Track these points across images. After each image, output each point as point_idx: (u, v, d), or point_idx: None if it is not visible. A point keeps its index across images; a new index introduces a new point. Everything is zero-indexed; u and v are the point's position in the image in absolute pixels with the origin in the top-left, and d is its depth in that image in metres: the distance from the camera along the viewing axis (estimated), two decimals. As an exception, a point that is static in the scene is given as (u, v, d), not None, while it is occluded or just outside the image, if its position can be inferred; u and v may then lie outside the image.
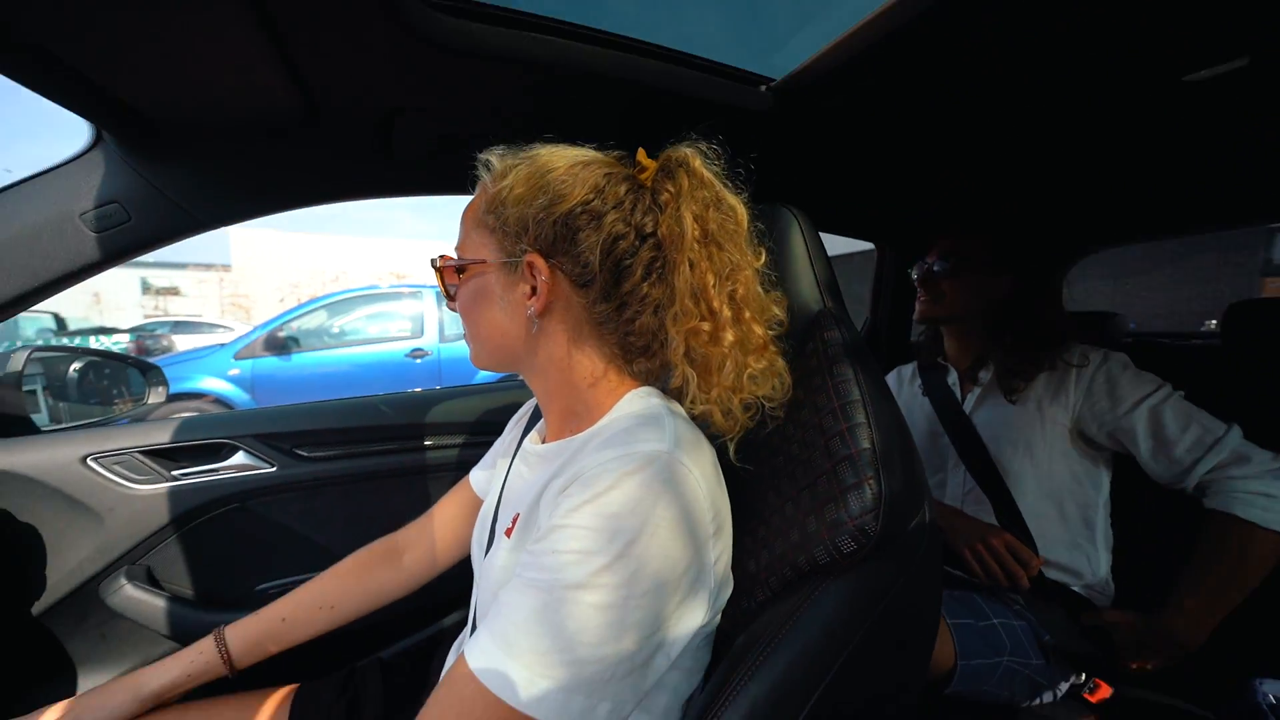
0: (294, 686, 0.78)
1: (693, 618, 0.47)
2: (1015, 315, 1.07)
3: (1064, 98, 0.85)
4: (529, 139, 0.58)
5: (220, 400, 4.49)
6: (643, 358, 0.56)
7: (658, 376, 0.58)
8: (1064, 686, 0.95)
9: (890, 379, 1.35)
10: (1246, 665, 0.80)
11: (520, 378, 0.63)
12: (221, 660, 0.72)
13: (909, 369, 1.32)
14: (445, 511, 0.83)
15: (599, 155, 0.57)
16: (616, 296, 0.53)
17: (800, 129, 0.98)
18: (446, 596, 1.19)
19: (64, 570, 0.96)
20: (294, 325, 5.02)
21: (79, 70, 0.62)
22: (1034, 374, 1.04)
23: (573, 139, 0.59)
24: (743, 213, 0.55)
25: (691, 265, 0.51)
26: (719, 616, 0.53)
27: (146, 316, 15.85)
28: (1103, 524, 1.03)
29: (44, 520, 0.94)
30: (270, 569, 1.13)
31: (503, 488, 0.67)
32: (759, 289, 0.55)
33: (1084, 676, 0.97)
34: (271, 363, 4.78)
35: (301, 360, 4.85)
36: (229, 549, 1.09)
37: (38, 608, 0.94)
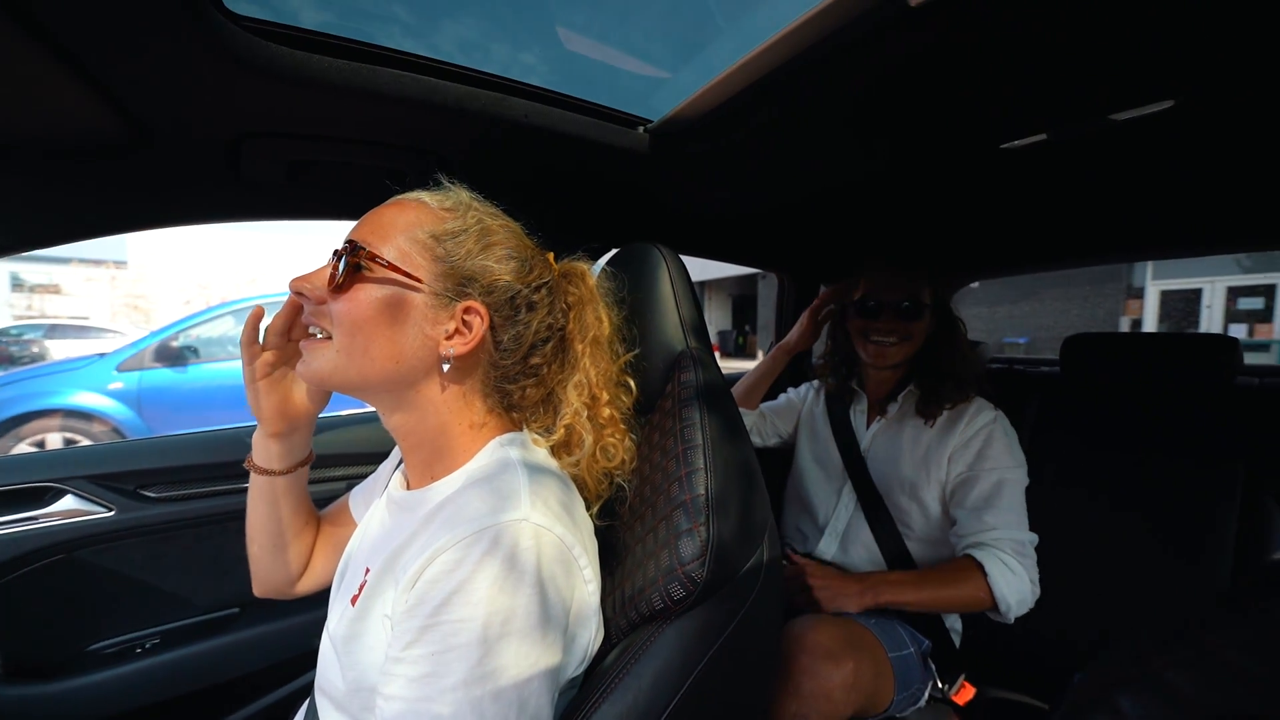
0: None
1: (568, 667, 0.50)
2: (935, 347, 1.14)
3: (928, 143, 0.92)
4: (402, 168, 0.57)
5: (96, 417, 3.99)
6: (518, 414, 0.60)
7: (526, 425, 0.61)
8: (926, 691, 1.03)
9: (811, 386, 1.39)
10: (1080, 664, 0.90)
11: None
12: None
13: (820, 387, 1.36)
14: (321, 532, 0.78)
15: (526, 240, 0.61)
16: (524, 367, 0.58)
17: (677, 169, 1.01)
18: (312, 648, 1.11)
19: None
20: (194, 333, 4.52)
21: None
22: (955, 399, 1.10)
23: (449, 172, 0.59)
24: (609, 322, 0.63)
25: (587, 357, 0.60)
26: (587, 661, 0.54)
27: (16, 318, 13.89)
28: None
29: None
30: (108, 624, 1.01)
31: (363, 531, 0.65)
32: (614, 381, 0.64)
33: (954, 680, 1.06)
34: (164, 375, 4.27)
35: (200, 373, 4.37)
36: (49, 607, 0.96)
37: None
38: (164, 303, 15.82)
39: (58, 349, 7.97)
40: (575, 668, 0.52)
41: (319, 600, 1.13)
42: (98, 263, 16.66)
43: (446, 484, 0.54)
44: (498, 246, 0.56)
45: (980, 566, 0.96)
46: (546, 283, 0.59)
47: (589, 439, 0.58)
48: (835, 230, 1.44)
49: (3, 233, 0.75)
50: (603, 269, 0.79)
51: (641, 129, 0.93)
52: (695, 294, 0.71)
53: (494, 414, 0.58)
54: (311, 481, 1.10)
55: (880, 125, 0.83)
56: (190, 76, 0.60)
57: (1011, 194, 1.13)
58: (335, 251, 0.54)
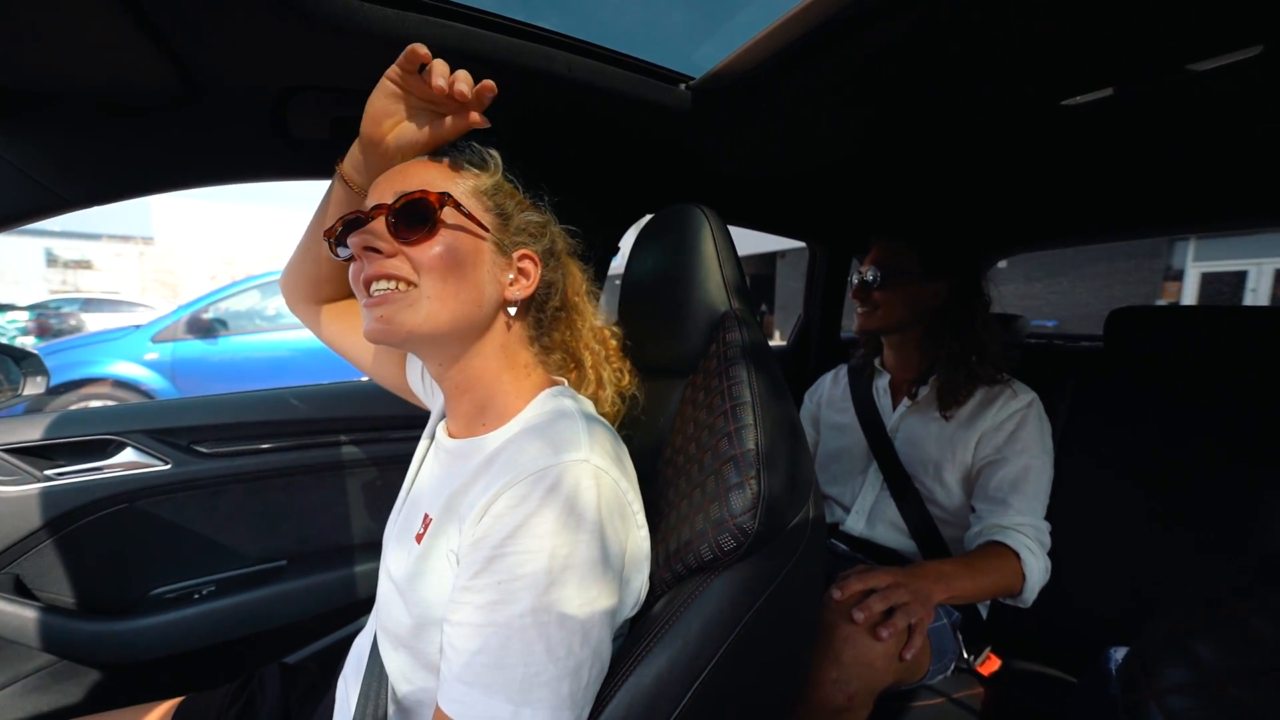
0: (178, 700, 0.74)
1: (623, 608, 0.51)
2: (951, 322, 1.10)
3: (965, 108, 0.89)
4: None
5: (134, 387, 4.15)
6: (553, 358, 0.63)
7: (559, 377, 0.64)
8: (953, 661, 1.03)
9: (826, 379, 1.38)
10: (1108, 640, 0.89)
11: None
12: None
13: (843, 370, 1.35)
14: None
15: None
16: (550, 313, 0.62)
17: (719, 128, 0.99)
18: (356, 600, 1.16)
19: None
20: (222, 306, 4.63)
21: None
22: (971, 390, 1.06)
23: (489, 128, 0.59)
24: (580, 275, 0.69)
25: (585, 304, 0.67)
26: (637, 606, 0.55)
27: (52, 292, 14.36)
28: None
29: None
30: (167, 572, 1.07)
31: (414, 479, 0.67)
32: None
33: (979, 651, 1.06)
34: (195, 346, 4.42)
35: (229, 345, 4.50)
36: (116, 552, 1.02)
37: None
38: (190, 278, 16.20)
39: (93, 321, 8.26)
40: (628, 610, 0.53)
41: (361, 554, 1.19)
42: (126, 239, 17.07)
43: (501, 433, 0.56)
44: (525, 201, 0.61)
45: (1016, 554, 0.96)
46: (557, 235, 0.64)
47: (608, 374, 0.65)
48: (872, 199, 1.40)
49: (59, 188, 0.78)
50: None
51: (683, 85, 0.90)
52: (737, 255, 0.70)
53: (536, 362, 0.61)
54: (344, 444, 1.18)
55: (933, 79, 0.79)
56: (243, 25, 0.60)
57: (1067, 157, 1.07)
58: (398, 203, 0.51)
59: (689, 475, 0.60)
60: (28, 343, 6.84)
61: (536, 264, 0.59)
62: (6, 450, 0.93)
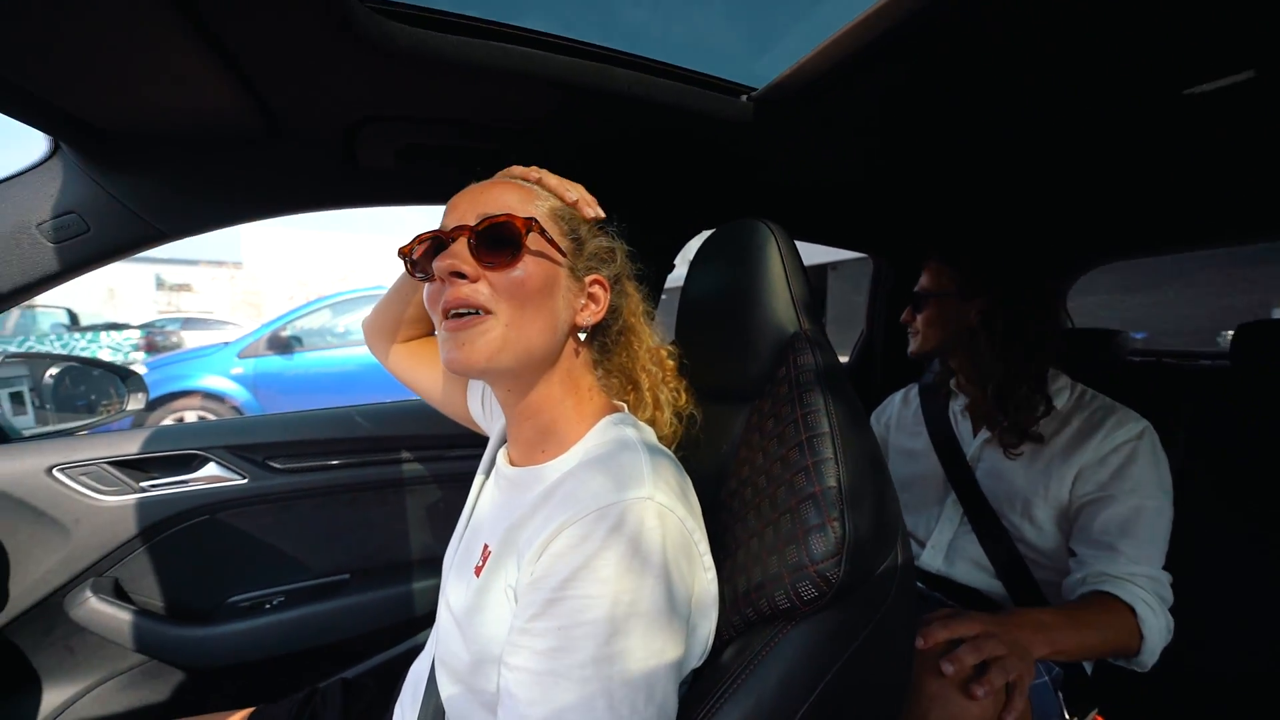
0: (248, 711, 0.77)
1: (690, 658, 0.48)
2: (982, 340, 0.99)
3: (1060, 107, 0.81)
4: (503, 149, 0.58)
5: (220, 398, 4.54)
6: (613, 382, 0.63)
7: (619, 402, 0.62)
8: None
9: (895, 399, 1.28)
10: (1239, 710, 0.76)
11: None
12: None
13: (914, 389, 1.25)
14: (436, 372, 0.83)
15: None
16: (613, 337, 0.62)
17: (783, 139, 0.95)
18: (414, 616, 1.18)
19: (28, 583, 0.95)
20: (298, 324, 5.05)
21: (24, 88, 0.62)
22: (1028, 425, 0.95)
23: (547, 151, 0.59)
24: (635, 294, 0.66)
25: (641, 326, 0.65)
26: (705, 655, 0.52)
27: (160, 313, 16.09)
28: None
29: (8, 532, 0.94)
30: (242, 580, 1.12)
31: (474, 506, 0.66)
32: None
33: (1085, 713, 0.93)
34: (275, 362, 4.82)
35: (304, 360, 4.89)
36: (199, 561, 1.08)
37: (0, 620, 0.93)
38: (272, 298, 17.87)
39: (191, 338, 9.20)
40: (695, 660, 0.49)
41: (420, 571, 1.20)
42: (219, 264, 19.47)
43: (561, 462, 0.54)
44: (592, 225, 0.59)
45: (1131, 609, 0.84)
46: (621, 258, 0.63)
47: (665, 395, 0.64)
48: (944, 209, 1.31)
49: (156, 221, 0.85)
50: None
51: (745, 97, 0.88)
52: (805, 272, 0.66)
53: (598, 387, 0.60)
54: (406, 461, 1.20)
55: (1025, 72, 0.72)
56: (321, 58, 0.62)
57: (1186, 152, 0.95)
58: (481, 225, 0.51)
59: (759, 510, 0.56)
60: (138, 358, 7.65)
61: (606, 289, 0.58)
62: (109, 463, 1.01)
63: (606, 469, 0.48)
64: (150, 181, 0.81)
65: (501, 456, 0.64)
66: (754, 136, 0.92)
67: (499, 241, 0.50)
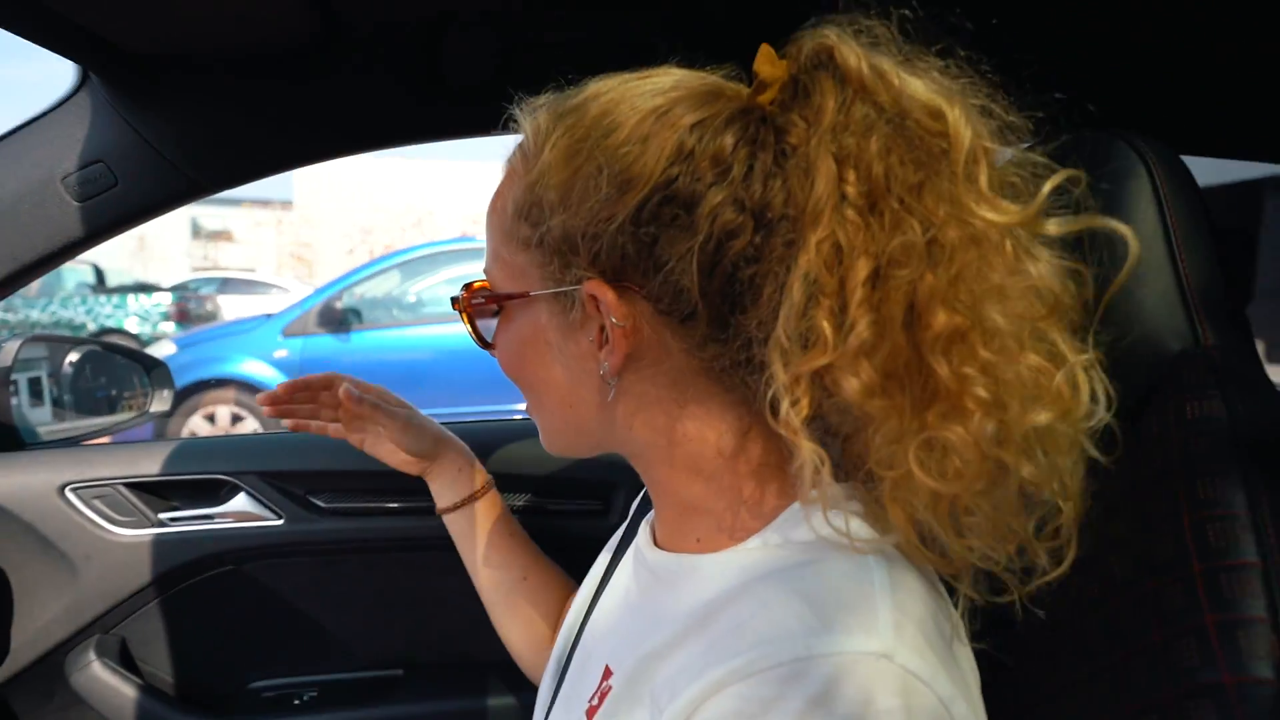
0: None
1: None
2: None
3: None
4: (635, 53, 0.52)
5: (260, 390, 5.08)
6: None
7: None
8: None
9: None
10: None
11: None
12: None
13: None
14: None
15: (688, 82, 0.49)
16: (738, 329, 0.47)
17: None
18: None
19: (30, 631, 1.09)
20: (357, 292, 5.41)
21: (46, 5, 0.68)
22: None
23: (693, 52, 0.51)
24: (956, 121, 0.41)
25: (833, 248, 0.41)
26: None
27: (194, 269, 19.03)
28: None
29: (14, 564, 1.08)
30: (269, 661, 1.20)
31: (592, 599, 0.67)
32: (1011, 263, 0.41)
33: None
34: (326, 343, 5.23)
35: (362, 341, 5.23)
36: (218, 626, 1.18)
37: (0, 675, 1.07)
38: (327, 251, 19.97)
39: (228, 305, 10.77)
40: None
41: (502, 679, 1.19)
42: (265, 203, 22.16)
43: (731, 558, 0.50)
44: (589, 152, 0.47)
45: None
46: (702, 148, 0.46)
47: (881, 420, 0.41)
48: None
49: (190, 169, 0.92)
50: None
51: None
52: (1207, 218, 0.60)
53: (756, 431, 0.51)
54: (527, 511, 1.21)
55: None
56: None
57: None
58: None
59: (1083, 646, 0.55)
60: (168, 330, 9.11)
61: (610, 296, 0.47)
62: (126, 485, 1.13)
63: (809, 589, 0.43)
64: (188, 119, 0.89)
65: (644, 533, 0.62)
66: None
67: (469, 321, 0.61)
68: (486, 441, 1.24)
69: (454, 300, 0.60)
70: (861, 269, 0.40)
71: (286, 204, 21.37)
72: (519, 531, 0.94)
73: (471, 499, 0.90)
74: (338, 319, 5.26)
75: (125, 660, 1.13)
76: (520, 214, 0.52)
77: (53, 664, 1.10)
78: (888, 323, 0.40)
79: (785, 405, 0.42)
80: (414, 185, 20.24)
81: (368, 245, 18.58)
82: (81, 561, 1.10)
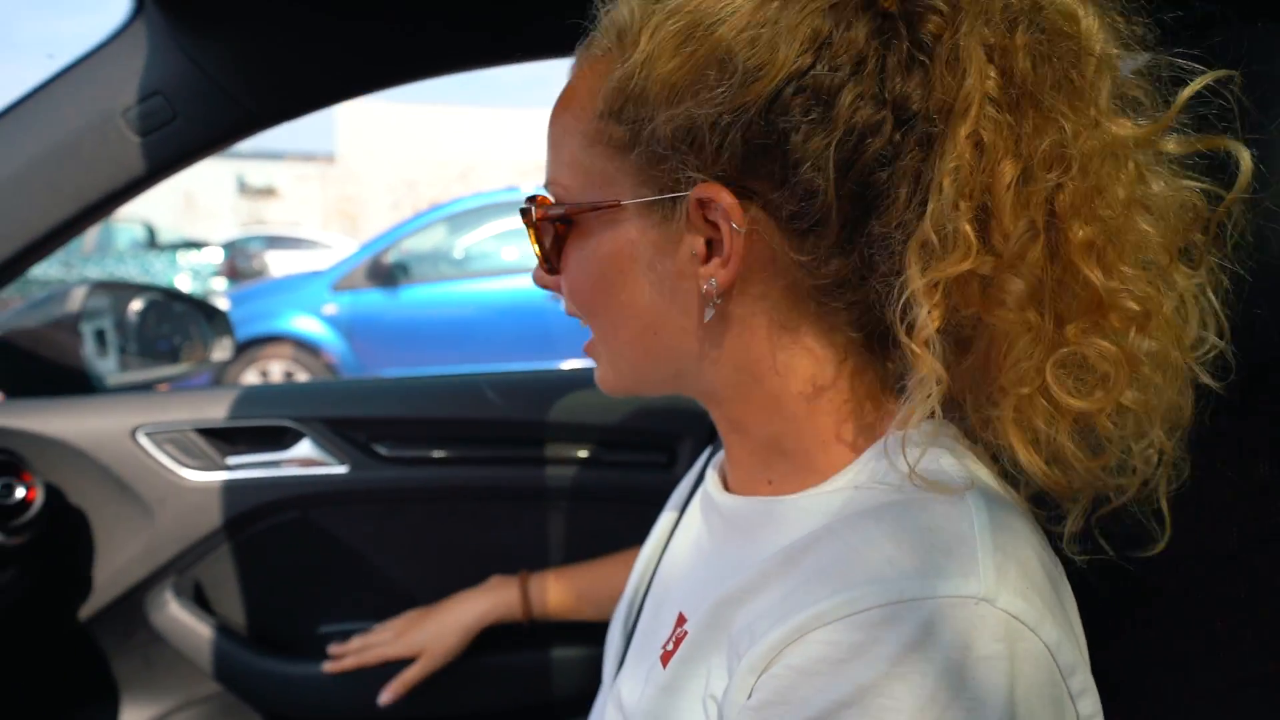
0: None
1: None
2: None
3: None
4: None
5: (317, 350, 5.18)
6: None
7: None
8: None
9: None
10: None
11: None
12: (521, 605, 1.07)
13: None
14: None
15: None
16: (864, 242, 0.45)
17: None
18: (557, 698, 1.20)
19: (110, 570, 1.12)
20: (404, 246, 5.46)
21: None
22: None
23: None
24: (1090, 26, 0.41)
25: (975, 146, 0.40)
26: None
27: (242, 226, 19.50)
28: None
29: (93, 505, 1.11)
30: (338, 605, 1.22)
31: (663, 548, 0.67)
32: (1141, 184, 0.42)
33: None
34: (374, 299, 5.30)
35: (411, 297, 5.28)
36: (288, 572, 1.20)
37: (84, 612, 1.11)
38: (371, 205, 20.14)
39: (276, 261, 11.09)
40: None
41: (573, 630, 1.19)
42: (309, 157, 22.39)
43: (813, 500, 0.49)
44: (704, 39, 0.44)
45: None
46: (838, 37, 0.42)
47: (1019, 333, 0.41)
48: None
49: (246, 98, 0.91)
50: None
51: None
52: None
53: (850, 366, 0.50)
54: (553, 461, 1.20)
55: None
56: None
57: None
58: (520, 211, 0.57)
59: (1184, 610, 0.54)
60: (219, 286, 9.39)
61: (729, 200, 0.44)
62: (197, 430, 1.15)
63: (901, 530, 0.42)
64: (245, 48, 0.87)
65: (712, 477, 0.61)
66: None
67: (537, 239, 0.55)
68: (544, 391, 1.25)
69: (523, 212, 0.56)
70: (1008, 171, 0.39)
71: (329, 157, 21.52)
72: (583, 574, 1.08)
73: (529, 612, 1.07)
74: (386, 274, 5.32)
75: (201, 601, 1.16)
76: (610, 112, 0.48)
77: (132, 604, 1.14)
78: (1036, 230, 0.40)
79: (922, 312, 0.40)
80: (458, 136, 20.11)
81: (412, 199, 18.59)
82: (156, 504, 1.12)
